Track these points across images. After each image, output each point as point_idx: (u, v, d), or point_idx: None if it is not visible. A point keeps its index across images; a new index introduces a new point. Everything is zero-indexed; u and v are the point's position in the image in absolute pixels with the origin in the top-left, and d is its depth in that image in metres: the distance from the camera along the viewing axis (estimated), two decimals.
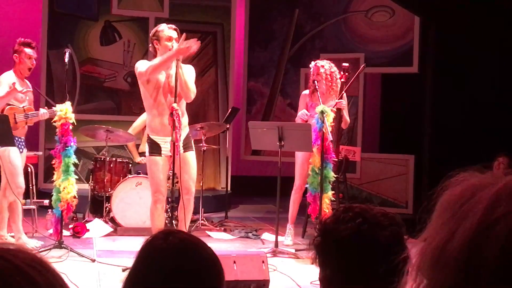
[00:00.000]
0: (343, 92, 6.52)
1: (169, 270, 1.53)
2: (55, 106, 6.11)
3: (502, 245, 0.75)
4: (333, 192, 6.29)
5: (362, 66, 6.98)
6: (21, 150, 6.08)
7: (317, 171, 6.16)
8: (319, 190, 6.13)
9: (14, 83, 5.83)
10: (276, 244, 6.10)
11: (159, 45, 5.44)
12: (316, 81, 6.37)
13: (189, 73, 5.49)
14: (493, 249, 0.75)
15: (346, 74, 6.52)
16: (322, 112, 6.03)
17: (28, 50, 6.10)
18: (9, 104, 5.95)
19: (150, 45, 5.56)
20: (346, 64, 6.64)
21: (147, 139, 5.61)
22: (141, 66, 5.43)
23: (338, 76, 6.54)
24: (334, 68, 6.54)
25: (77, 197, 5.78)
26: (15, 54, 6.11)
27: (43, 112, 6.13)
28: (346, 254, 1.60)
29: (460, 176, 0.86)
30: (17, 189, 5.94)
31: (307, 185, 6.35)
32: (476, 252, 0.76)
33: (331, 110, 6.18)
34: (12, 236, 6.27)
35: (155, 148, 5.46)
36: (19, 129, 5.97)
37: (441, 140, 7.62)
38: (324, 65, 6.51)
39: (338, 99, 6.45)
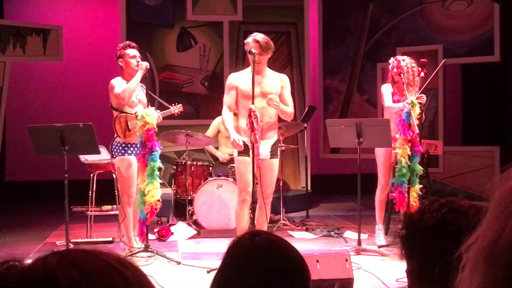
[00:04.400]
0: (423, 87, 6.39)
1: (257, 271, 1.53)
2: (169, 108, 6.32)
3: None
4: (421, 186, 6.14)
5: (442, 61, 6.82)
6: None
7: (404, 164, 6.03)
8: (407, 183, 6.03)
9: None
10: (359, 242, 6.03)
11: (264, 56, 5.51)
12: (402, 73, 6.25)
13: (284, 87, 5.65)
14: None
15: (425, 69, 6.38)
16: (412, 103, 5.94)
17: (129, 51, 6.16)
18: (122, 112, 6.01)
19: (252, 51, 5.44)
20: (424, 60, 6.51)
21: None
22: (224, 108, 5.66)
23: (416, 72, 6.42)
24: (414, 64, 6.42)
25: (161, 200, 5.86)
26: (120, 59, 6.14)
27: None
28: (432, 243, 1.56)
29: None
30: (129, 198, 6.05)
31: (392, 180, 6.23)
32: None
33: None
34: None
35: (244, 149, 5.48)
36: (133, 136, 5.97)
37: None
38: (405, 59, 6.41)
39: (419, 94, 6.32)
